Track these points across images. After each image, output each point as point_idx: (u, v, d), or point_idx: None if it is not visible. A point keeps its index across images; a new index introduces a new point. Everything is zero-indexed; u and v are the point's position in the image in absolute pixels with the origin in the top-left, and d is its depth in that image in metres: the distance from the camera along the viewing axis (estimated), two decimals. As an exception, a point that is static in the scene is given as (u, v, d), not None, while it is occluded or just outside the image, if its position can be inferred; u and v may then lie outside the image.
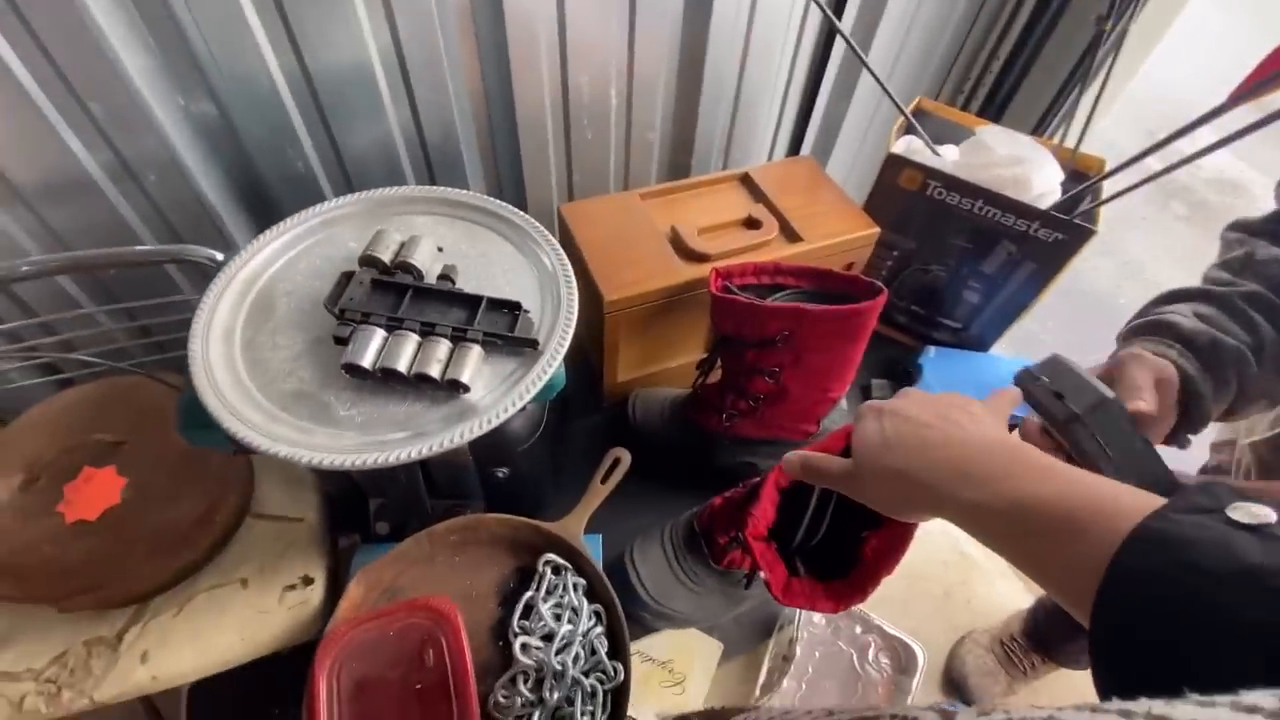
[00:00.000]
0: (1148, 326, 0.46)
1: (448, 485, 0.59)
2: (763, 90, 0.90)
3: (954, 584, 1.24)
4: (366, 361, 0.43)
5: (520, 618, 0.54)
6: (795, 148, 1.03)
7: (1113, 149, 0.73)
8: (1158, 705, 0.16)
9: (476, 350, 0.45)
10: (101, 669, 0.52)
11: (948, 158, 0.75)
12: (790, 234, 0.73)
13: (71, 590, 0.51)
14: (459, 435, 0.42)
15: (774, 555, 0.47)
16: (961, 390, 0.79)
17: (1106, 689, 0.24)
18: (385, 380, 0.45)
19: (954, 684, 1.09)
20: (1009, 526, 0.30)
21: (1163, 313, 0.47)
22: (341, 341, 0.45)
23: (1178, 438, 0.44)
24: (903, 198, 0.75)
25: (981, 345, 0.85)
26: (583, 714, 0.49)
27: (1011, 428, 0.42)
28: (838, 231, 0.73)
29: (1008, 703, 1.08)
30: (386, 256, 0.49)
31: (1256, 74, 0.46)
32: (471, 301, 0.48)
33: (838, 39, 0.87)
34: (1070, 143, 0.76)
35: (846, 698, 0.74)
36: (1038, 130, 1.01)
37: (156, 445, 0.56)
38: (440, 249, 0.52)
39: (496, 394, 0.45)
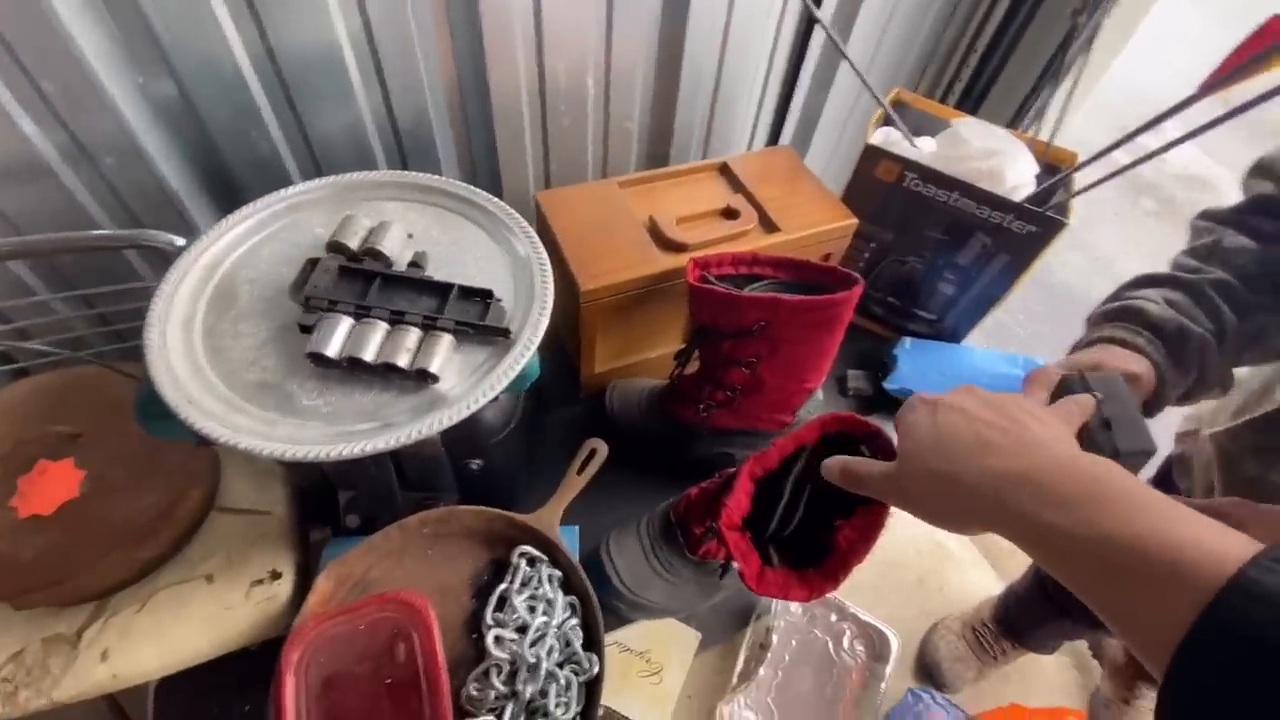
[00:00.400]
0: (1119, 312, 0.47)
1: (420, 477, 0.58)
2: (742, 81, 0.89)
3: (927, 571, 1.26)
4: (332, 350, 0.42)
5: (494, 610, 0.53)
6: (774, 138, 1.03)
7: (1086, 146, 0.74)
8: None
9: (447, 339, 0.44)
10: (60, 667, 0.51)
11: (924, 149, 0.75)
12: (768, 224, 0.73)
13: (27, 587, 0.50)
14: (428, 426, 0.41)
15: (748, 545, 0.47)
16: (934, 382, 0.81)
17: None
18: (352, 370, 0.44)
19: (926, 670, 1.11)
20: (1088, 559, 0.27)
21: (1133, 298, 0.47)
22: (307, 330, 0.44)
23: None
24: (880, 189, 0.75)
25: (955, 336, 0.86)
26: (557, 706, 0.49)
27: None
28: (816, 222, 0.73)
29: (978, 688, 1.10)
30: (354, 243, 0.48)
31: (1222, 68, 0.46)
32: (442, 289, 0.47)
33: (817, 30, 0.87)
34: (1045, 137, 0.77)
35: (822, 685, 0.75)
36: (1014, 123, 1.02)
37: (116, 437, 0.55)
38: (410, 235, 0.51)
39: (467, 384, 0.44)
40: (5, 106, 0.50)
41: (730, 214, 0.73)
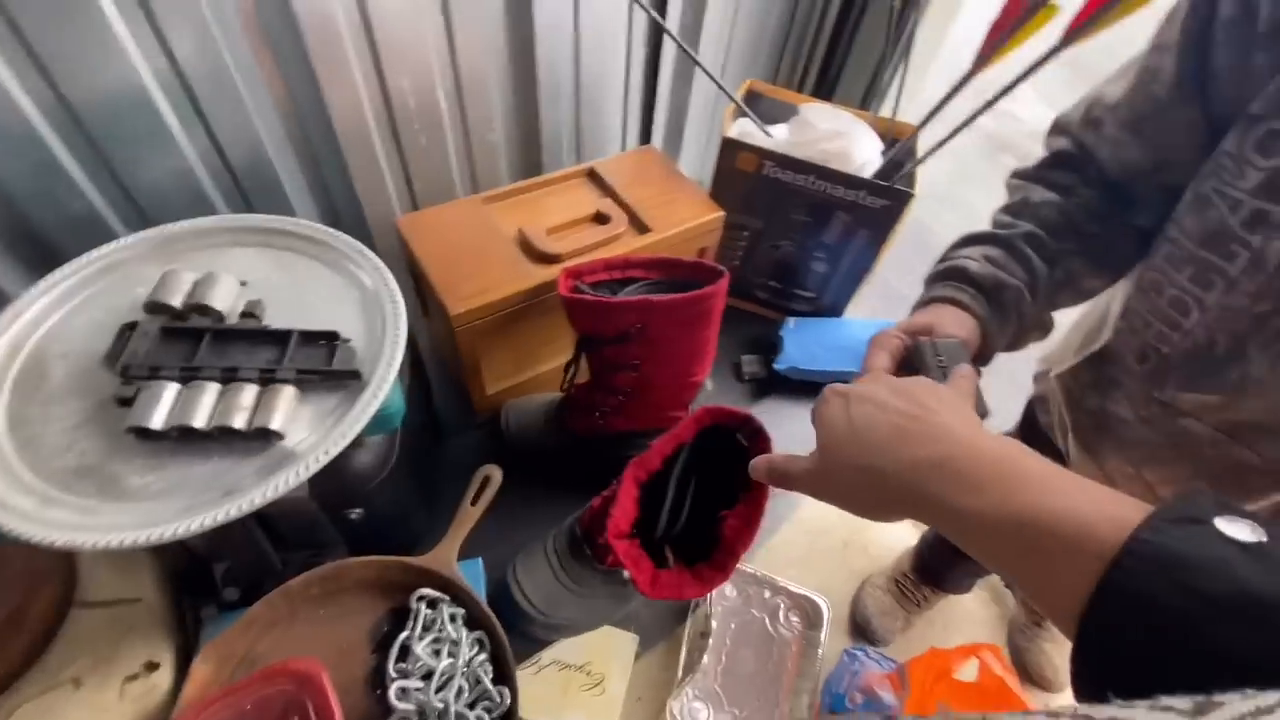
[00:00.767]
0: (946, 271, 0.50)
1: (299, 536, 0.54)
2: (603, 81, 0.89)
3: (851, 533, 1.31)
4: (156, 422, 0.39)
5: (396, 661, 0.51)
6: (646, 137, 1.04)
7: (952, 113, 0.77)
8: (1081, 708, 0.16)
9: (289, 391, 0.42)
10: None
11: (778, 137, 0.78)
12: (639, 226, 0.73)
13: None
14: (276, 487, 0.39)
15: (638, 551, 0.48)
16: (820, 357, 0.84)
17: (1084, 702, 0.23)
18: (184, 440, 0.40)
19: (859, 627, 1.16)
20: (1002, 539, 0.28)
21: (957, 257, 0.51)
22: (126, 403, 0.40)
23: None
24: (743, 179, 0.77)
25: (836, 311, 0.90)
26: (468, 746, 0.47)
27: None
28: (685, 219, 0.74)
29: (907, 636, 1.16)
30: (177, 300, 0.44)
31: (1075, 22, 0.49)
32: (281, 338, 0.44)
33: (668, 19, 0.88)
34: (901, 114, 0.81)
35: (764, 662, 0.76)
36: (865, 103, 1.08)
37: (-70, 549, 0.48)
38: (244, 283, 0.48)
39: (319, 434, 0.42)
40: None
41: (601, 219, 0.73)
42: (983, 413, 0.40)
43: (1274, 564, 0.21)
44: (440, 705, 0.48)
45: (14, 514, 0.36)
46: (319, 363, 0.43)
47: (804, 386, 0.84)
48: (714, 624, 0.71)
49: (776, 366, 0.84)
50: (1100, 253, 0.51)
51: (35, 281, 0.59)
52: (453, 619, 0.53)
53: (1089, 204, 0.51)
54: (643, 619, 0.68)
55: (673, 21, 0.88)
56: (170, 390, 0.40)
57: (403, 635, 0.52)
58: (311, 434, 0.42)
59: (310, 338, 0.44)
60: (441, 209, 0.71)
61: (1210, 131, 0.44)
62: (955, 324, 0.46)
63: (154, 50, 0.54)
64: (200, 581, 0.59)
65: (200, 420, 0.39)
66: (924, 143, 0.75)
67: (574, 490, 0.69)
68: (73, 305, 0.47)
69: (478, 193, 0.75)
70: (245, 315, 0.45)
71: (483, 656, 0.52)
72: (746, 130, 0.79)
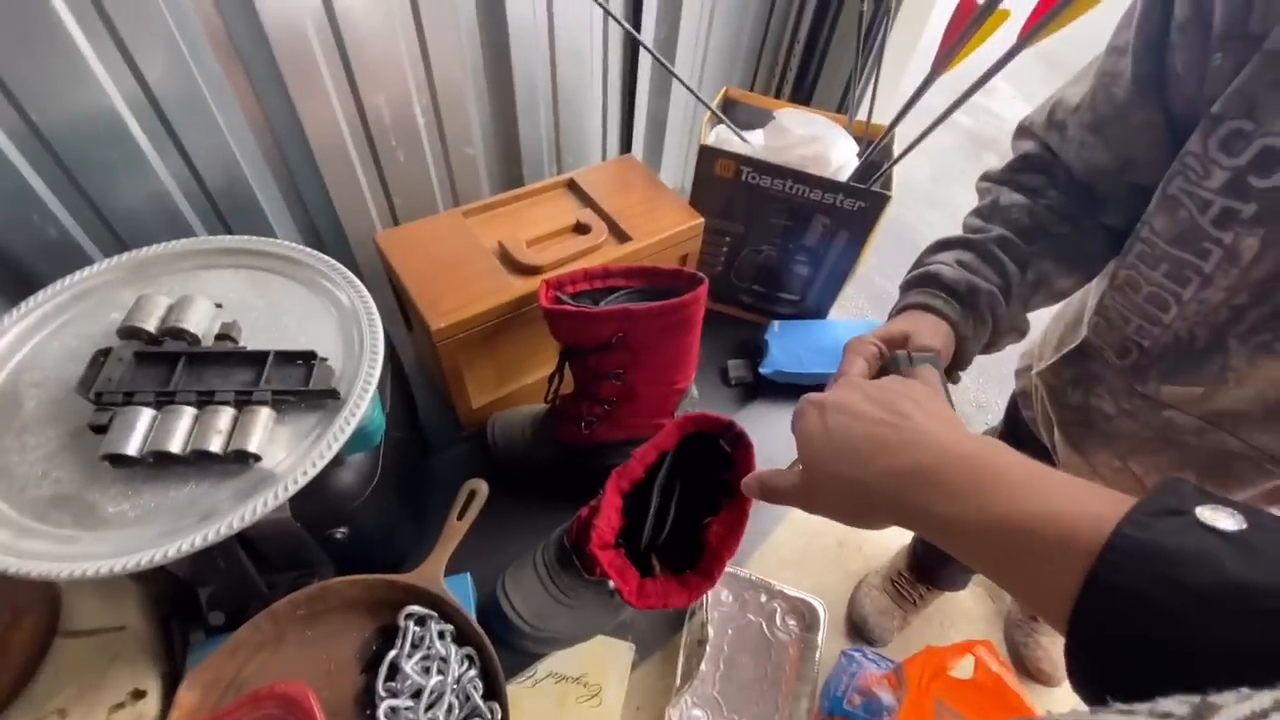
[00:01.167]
0: (919, 278, 0.51)
1: (284, 558, 0.54)
2: (580, 93, 0.90)
3: (845, 534, 1.31)
4: (131, 448, 0.39)
5: (385, 680, 0.50)
6: (627, 146, 1.05)
7: (913, 119, 0.78)
8: (1084, 713, 0.16)
9: (265, 413, 0.41)
10: None
11: (755, 143, 0.78)
12: (620, 234, 0.73)
13: None
14: (255, 510, 0.38)
15: (623, 561, 0.47)
16: (805, 359, 0.84)
17: (1084, 700, 0.23)
18: (160, 465, 0.40)
19: (856, 628, 1.16)
20: (986, 544, 0.28)
21: (930, 263, 0.51)
22: (100, 430, 0.40)
23: (951, 376, 0.49)
24: (722, 186, 0.78)
25: (819, 313, 0.90)
26: (460, 765, 0.47)
27: None
28: (665, 227, 0.74)
29: (905, 636, 1.16)
30: (151, 324, 0.44)
31: (1034, 16, 0.50)
32: (257, 359, 0.44)
33: (643, 30, 0.89)
34: (876, 117, 0.82)
35: (762, 667, 0.76)
36: (841, 107, 1.09)
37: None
38: (219, 306, 0.48)
39: (297, 455, 0.42)
40: None
41: (581, 229, 0.73)
42: None
43: (1256, 552, 0.21)
44: (430, 723, 0.47)
45: (-12, 546, 0.36)
46: (296, 383, 0.43)
47: (790, 389, 0.84)
48: (711, 630, 0.71)
49: (762, 370, 0.84)
50: (1071, 253, 0.52)
51: (8, 309, 0.59)
52: (441, 636, 0.53)
53: (1058, 205, 0.51)
54: (639, 628, 0.68)
55: (648, 33, 0.89)
56: (145, 416, 0.40)
57: (391, 654, 0.52)
58: (289, 455, 0.42)
59: (287, 358, 0.44)
60: (421, 224, 0.71)
61: (1172, 131, 0.44)
62: (930, 330, 0.46)
63: (123, 74, 0.54)
64: (186, 607, 0.58)
65: (176, 445, 0.39)
66: (898, 144, 0.76)
67: (562, 501, 0.69)
68: (46, 333, 0.47)
69: (459, 206, 0.76)
70: (221, 337, 0.45)
71: (473, 673, 0.52)
72: (724, 137, 0.79)
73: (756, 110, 0.87)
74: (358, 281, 0.50)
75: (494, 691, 0.52)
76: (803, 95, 1.12)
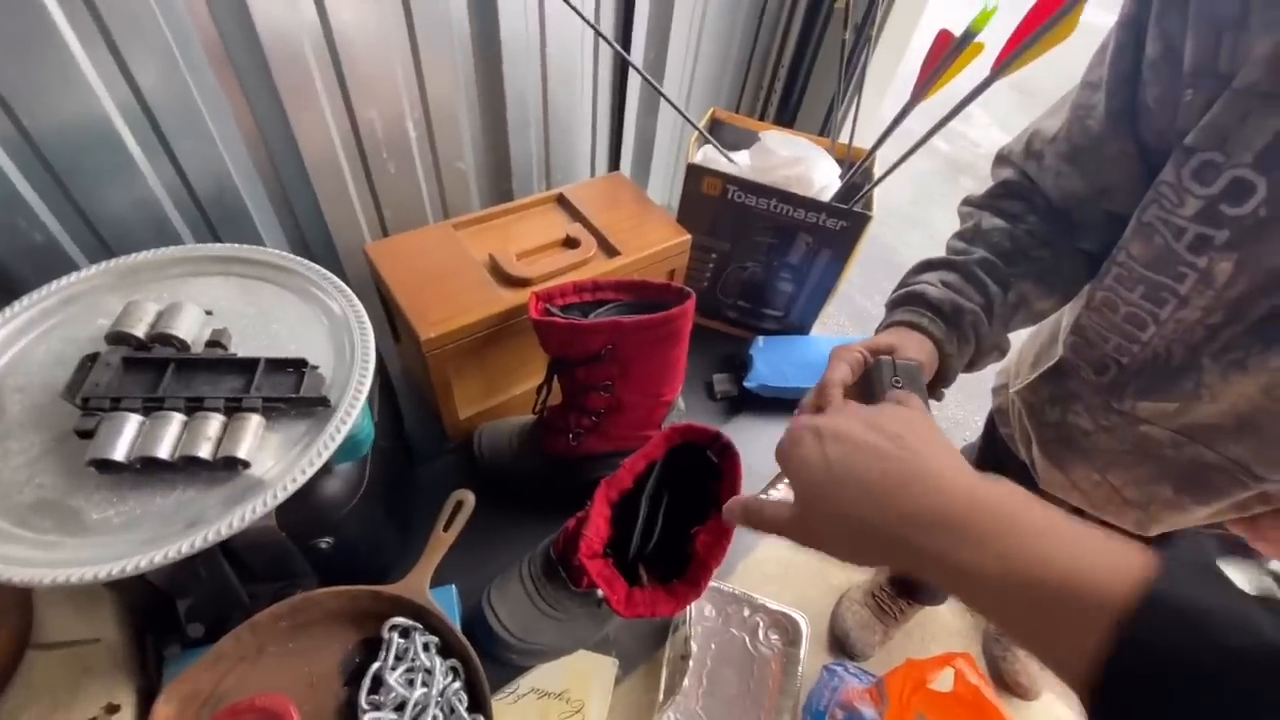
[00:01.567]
0: (905, 297, 0.52)
1: (268, 568, 0.53)
2: (570, 111, 0.91)
3: (828, 550, 1.33)
4: (119, 454, 0.38)
5: (369, 693, 0.50)
6: (615, 164, 1.06)
7: (908, 137, 0.80)
8: None
9: (255, 420, 0.41)
10: None
11: (741, 163, 0.80)
12: (609, 249, 0.75)
13: None
14: (243, 517, 0.38)
15: (611, 570, 0.48)
16: (789, 373, 0.85)
17: None
18: (147, 471, 0.40)
19: (838, 642, 1.16)
20: (1004, 595, 0.27)
21: (916, 283, 0.53)
22: (86, 435, 0.39)
23: (935, 393, 0.50)
24: (709, 204, 0.80)
25: (803, 329, 0.92)
26: (444, 777, 0.46)
27: None
28: (653, 242, 0.75)
29: (886, 649, 1.16)
30: (140, 330, 0.44)
31: (1006, 48, 0.53)
32: (248, 366, 0.44)
33: (633, 51, 0.91)
34: (857, 140, 0.85)
35: (745, 681, 0.76)
36: (824, 130, 1.12)
37: None
38: (209, 313, 0.48)
39: (286, 462, 0.42)
40: None
41: (571, 243, 0.74)
42: None
43: None
44: (414, 736, 0.47)
45: (-33, 552, 0.35)
46: (287, 390, 0.43)
47: (775, 403, 0.86)
48: (694, 645, 0.71)
49: (747, 384, 0.86)
50: (1050, 276, 0.54)
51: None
52: (426, 648, 0.53)
53: (1037, 230, 0.53)
54: (622, 643, 0.67)
55: (637, 54, 0.91)
56: (133, 421, 0.39)
57: (375, 666, 0.51)
58: (278, 462, 0.42)
59: (278, 365, 0.44)
60: (411, 235, 0.72)
61: (1146, 161, 0.46)
62: (916, 347, 0.48)
63: (117, 81, 0.54)
64: (163, 619, 0.57)
65: (164, 451, 0.39)
66: (879, 167, 0.78)
67: (548, 513, 0.69)
68: (31, 337, 0.46)
69: (449, 219, 0.76)
70: (211, 344, 0.45)
71: (457, 685, 0.52)
72: (711, 156, 0.81)
73: (742, 131, 0.90)
74: (349, 290, 0.51)
75: (479, 704, 0.51)
76: (786, 118, 1.15)
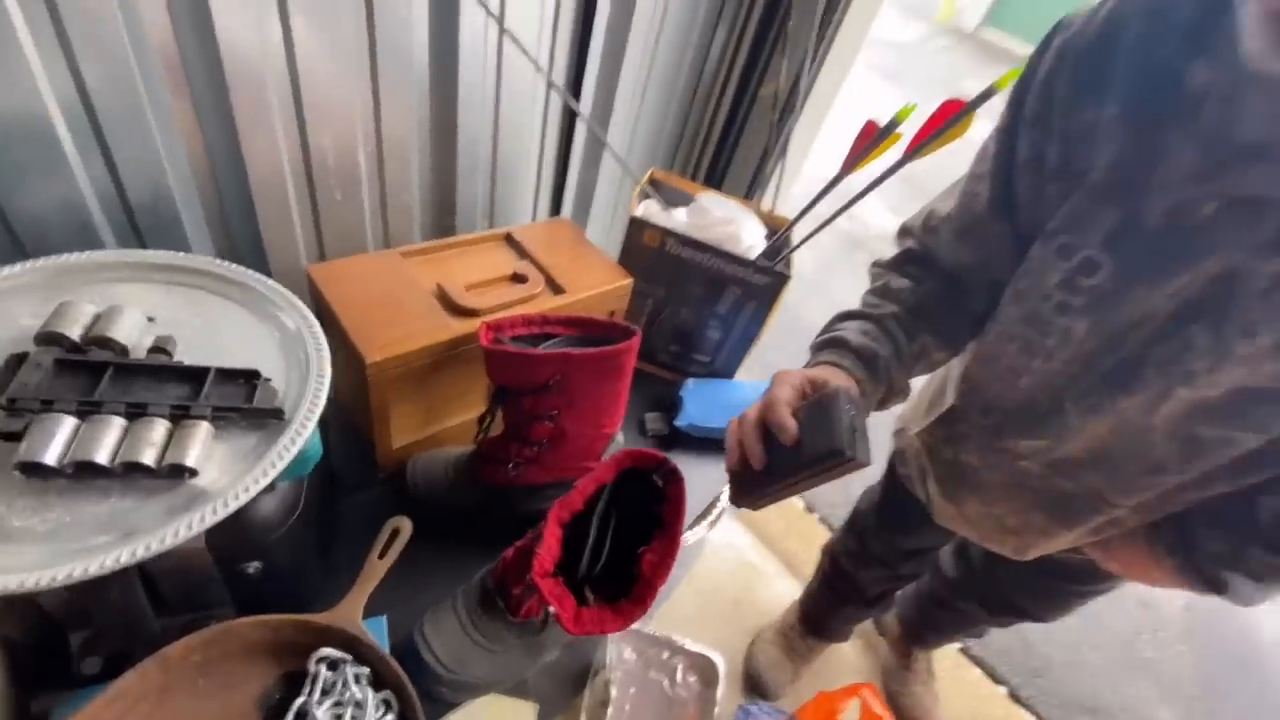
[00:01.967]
0: (830, 341, 0.60)
1: (182, 597, 0.49)
2: (518, 159, 0.96)
3: (740, 590, 1.38)
4: (51, 457, 0.36)
5: (292, 729, 0.47)
6: (556, 209, 1.11)
7: (819, 215, 0.90)
8: None
9: (204, 428, 0.40)
10: None
11: (679, 219, 0.87)
12: (555, 287, 0.78)
13: None
14: (186, 527, 0.37)
15: (562, 589, 0.49)
16: (715, 414, 0.91)
17: None
18: (79, 477, 0.37)
19: (752, 682, 1.20)
20: None
21: (839, 329, 0.60)
22: (12, 437, 0.37)
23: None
24: (648, 253, 0.86)
25: (729, 373, 0.99)
26: (376, 816, 0.44)
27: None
28: (597, 283, 0.80)
29: (796, 689, 1.21)
30: (74, 332, 0.42)
31: (911, 145, 0.62)
32: (196, 375, 0.43)
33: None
34: (768, 206, 0.95)
35: (662, 725, 0.76)
36: (749, 194, 1.23)
37: None
38: (151, 319, 0.46)
39: (234, 474, 0.40)
40: None
41: (519, 279, 0.77)
42: (866, 461, 0.47)
43: None
44: (343, 772, 0.45)
45: None
46: (239, 401, 0.42)
47: (702, 442, 0.91)
48: (614, 690, 0.70)
49: (677, 424, 0.90)
50: (946, 331, 0.63)
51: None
52: (357, 679, 0.50)
53: (934, 292, 0.63)
54: (541, 688, 0.66)
55: (585, 105, 0.98)
56: (67, 424, 0.37)
57: (299, 700, 0.48)
58: (224, 474, 0.40)
59: (228, 375, 0.43)
60: (356, 260, 0.72)
61: (1019, 239, 0.57)
62: (843, 382, 0.55)
63: (63, 75, 0.52)
64: (42, 660, 0.51)
65: (103, 456, 0.37)
66: (796, 234, 0.88)
67: (481, 545, 0.69)
68: (-66, 334, 0.42)
69: (389, 249, 0.77)
70: (155, 350, 0.43)
71: (390, 718, 0.50)
72: (651, 211, 0.88)
73: (677, 191, 0.98)
74: (302, 305, 0.50)
75: (414, 736, 0.49)
76: (714, 180, 1.26)
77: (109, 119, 0.56)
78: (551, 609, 0.48)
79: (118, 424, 0.38)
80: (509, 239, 0.83)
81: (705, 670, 0.79)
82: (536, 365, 0.61)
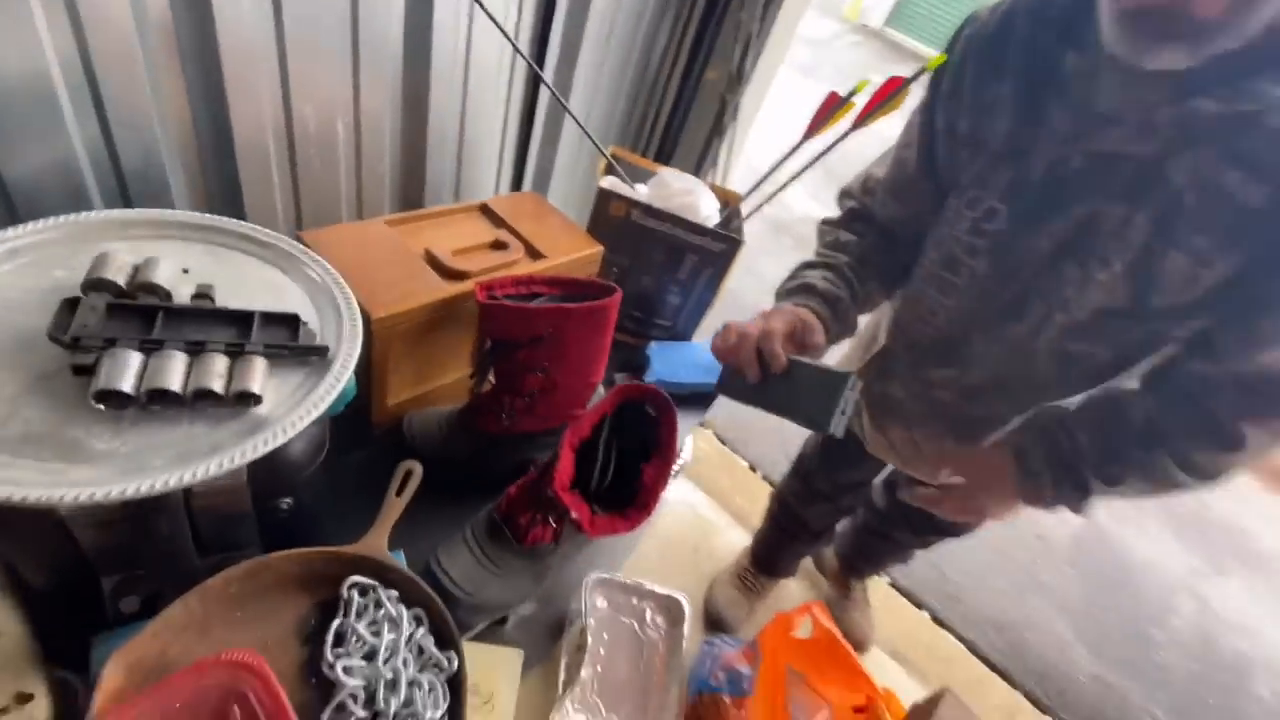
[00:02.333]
0: (799, 288, 0.69)
1: (216, 535, 0.52)
2: (484, 134, 1.00)
3: (699, 541, 1.49)
4: (127, 385, 0.39)
5: (333, 647, 0.51)
6: (517, 184, 1.16)
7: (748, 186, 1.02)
8: None
9: (261, 362, 0.44)
10: None
11: (641, 191, 0.95)
12: (534, 253, 0.84)
13: None
14: (264, 442, 0.41)
15: (578, 499, 0.56)
16: (680, 370, 1.00)
17: None
18: (149, 407, 0.41)
19: (712, 620, 1.31)
20: None
21: (805, 277, 0.70)
22: (83, 371, 0.39)
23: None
24: (614, 223, 0.93)
25: (687, 336, 1.08)
26: (425, 709, 0.50)
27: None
28: (571, 250, 0.86)
29: (754, 622, 1.33)
30: (120, 279, 0.44)
31: (854, 123, 0.73)
32: (241, 319, 0.46)
33: (541, 96, 1.02)
34: (718, 181, 1.04)
35: (636, 665, 0.83)
36: (697, 171, 1.33)
37: None
38: (186, 270, 0.49)
39: (288, 404, 0.45)
40: None
41: (499, 246, 0.82)
42: (838, 435, 0.55)
43: None
44: (390, 674, 0.50)
45: (-42, 479, 0.34)
46: (286, 339, 0.46)
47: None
48: (589, 637, 0.75)
49: (646, 379, 0.98)
50: (885, 277, 0.75)
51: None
52: (388, 599, 0.55)
53: (876, 244, 0.74)
54: (523, 639, 0.70)
55: (545, 98, 1.03)
56: (135, 357, 0.40)
57: (336, 623, 0.53)
58: (279, 406, 0.45)
59: (271, 319, 0.47)
60: (345, 227, 0.74)
61: (941, 194, 0.68)
62: (816, 325, 0.63)
63: (67, 38, 0.53)
64: (72, 608, 0.53)
65: (175, 383, 0.40)
66: (747, 206, 0.98)
67: (476, 493, 0.73)
68: (-30, 285, 0.44)
69: (362, 218, 0.80)
70: (198, 296, 0.47)
71: (422, 630, 0.55)
72: (614, 183, 0.95)
73: (635, 168, 1.05)
74: (324, 260, 0.54)
75: (446, 642, 0.55)
76: (664, 158, 1.34)
77: (108, 83, 0.57)
78: (573, 514, 0.55)
79: (181, 358, 0.42)
80: (485, 209, 0.88)
81: (672, 610, 0.84)
82: (533, 319, 0.67)
